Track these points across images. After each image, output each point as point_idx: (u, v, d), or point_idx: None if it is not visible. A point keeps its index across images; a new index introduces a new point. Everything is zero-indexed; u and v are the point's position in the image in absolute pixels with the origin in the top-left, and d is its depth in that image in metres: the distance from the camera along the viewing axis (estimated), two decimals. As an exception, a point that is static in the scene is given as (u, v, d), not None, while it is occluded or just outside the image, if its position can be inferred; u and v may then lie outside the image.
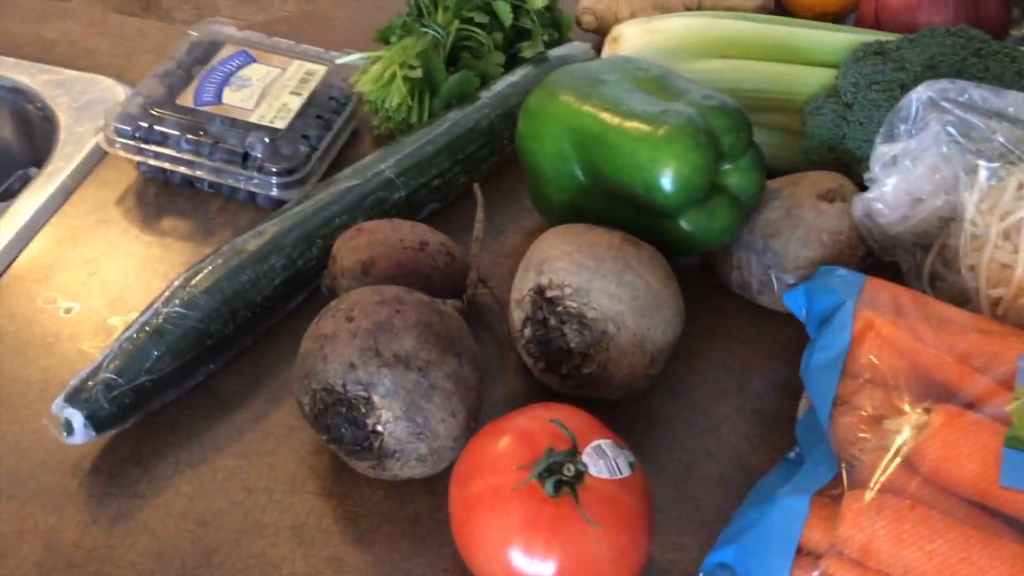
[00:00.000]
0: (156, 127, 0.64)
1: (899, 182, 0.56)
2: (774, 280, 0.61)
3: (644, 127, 0.56)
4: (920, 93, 0.54)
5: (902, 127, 0.55)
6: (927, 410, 0.46)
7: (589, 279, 0.52)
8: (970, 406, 0.46)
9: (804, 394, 0.56)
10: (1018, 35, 0.82)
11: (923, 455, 0.44)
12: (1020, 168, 0.54)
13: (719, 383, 0.59)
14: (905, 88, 0.61)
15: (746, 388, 0.59)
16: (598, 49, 0.80)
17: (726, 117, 0.57)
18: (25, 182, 0.74)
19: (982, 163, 0.54)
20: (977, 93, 0.53)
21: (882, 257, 0.60)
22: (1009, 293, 0.54)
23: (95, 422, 0.49)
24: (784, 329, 0.62)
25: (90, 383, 0.50)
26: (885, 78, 0.62)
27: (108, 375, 0.50)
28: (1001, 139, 0.53)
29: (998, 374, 0.47)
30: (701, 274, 0.65)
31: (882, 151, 0.56)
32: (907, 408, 0.47)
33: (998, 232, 0.54)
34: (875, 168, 0.57)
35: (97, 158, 0.68)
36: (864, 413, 0.48)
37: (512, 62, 0.76)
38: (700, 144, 0.56)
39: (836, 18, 0.87)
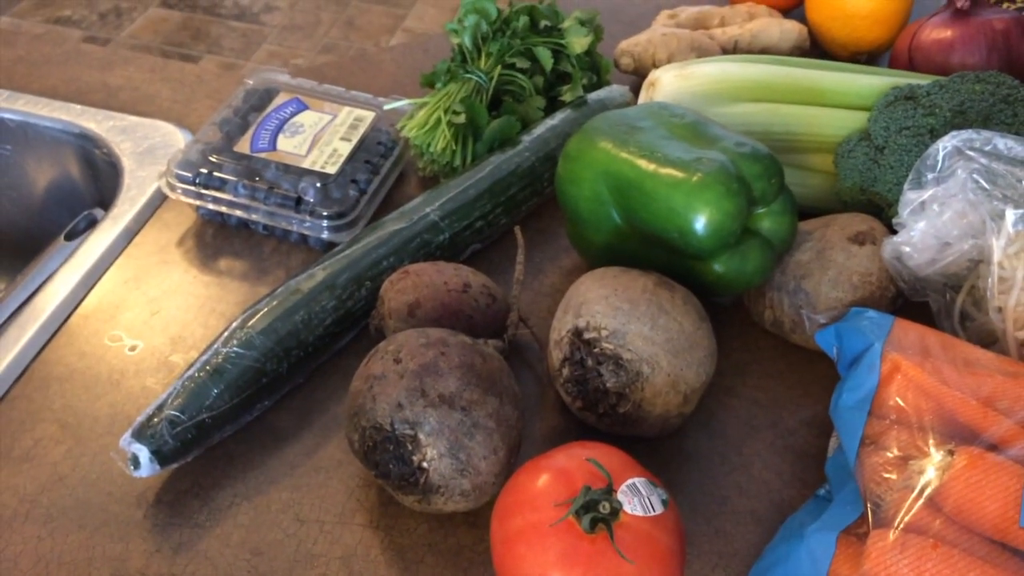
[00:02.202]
0: (215, 173, 0.68)
1: (927, 227, 0.58)
2: (806, 320, 0.62)
3: (679, 174, 0.59)
4: (946, 142, 0.56)
5: (929, 175, 0.57)
6: (951, 452, 0.48)
7: (625, 322, 0.54)
8: (993, 448, 0.48)
9: (834, 432, 0.57)
10: (1052, 73, 0.83)
11: (946, 496, 0.46)
12: (1046, 214, 0.55)
13: (751, 419, 0.61)
14: (935, 133, 0.63)
15: (778, 424, 0.61)
16: (636, 90, 0.83)
17: (758, 164, 0.59)
18: (90, 222, 0.79)
19: (1009, 209, 0.56)
20: (1002, 142, 0.55)
21: (912, 298, 0.62)
22: (1036, 335, 0.56)
23: (160, 457, 0.52)
24: (815, 366, 0.64)
25: (155, 419, 0.53)
26: (915, 123, 0.64)
27: (172, 412, 0.53)
28: (1026, 186, 0.55)
29: (1021, 417, 0.49)
30: (735, 312, 0.67)
31: (910, 197, 0.58)
32: (932, 449, 0.49)
33: (1025, 276, 0.56)
34: (904, 213, 0.58)
35: (159, 201, 0.72)
36: (890, 454, 0.50)
37: (552, 105, 0.79)
38: (732, 191, 0.58)
39: (870, 57, 0.89)
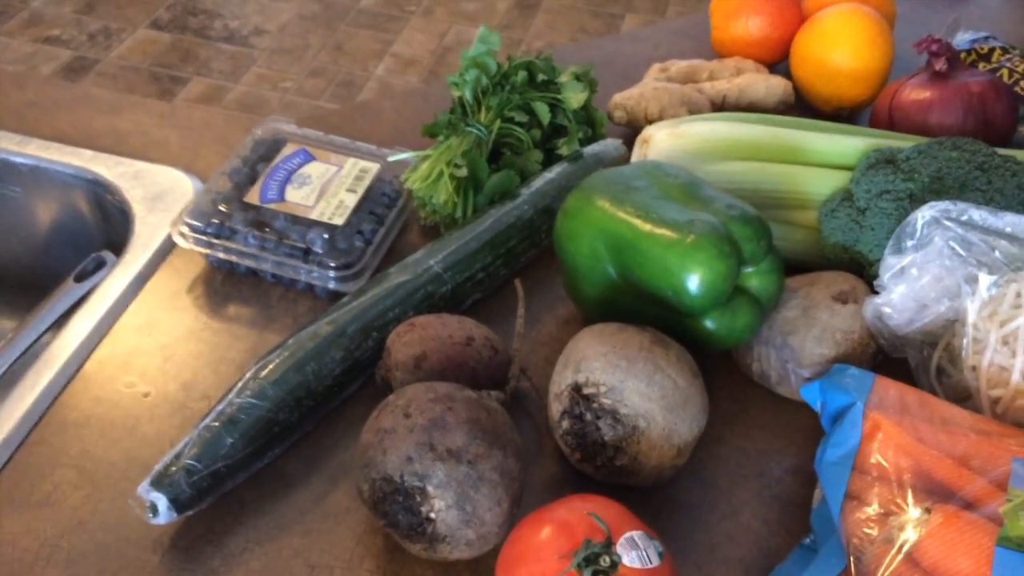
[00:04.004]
0: (226, 223, 0.71)
1: (906, 290, 0.61)
2: (791, 374, 0.66)
3: (673, 235, 0.62)
4: (925, 212, 0.59)
5: (909, 242, 0.60)
6: (928, 510, 0.51)
7: (622, 378, 0.57)
8: (968, 506, 0.51)
9: (818, 483, 0.61)
10: (1024, 132, 0.87)
11: (924, 552, 0.49)
12: (1017, 280, 0.59)
13: (740, 469, 0.64)
14: (914, 198, 0.66)
15: (765, 474, 0.64)
16: (628, 142, 0.86)
17: (748, 226, 0.63)
18: (98, 264, 0.81)
19: (982, 274, 0.60)
20: (977, 213, 0.59)
21: (892, 354, 0.65)
22: (1007, 394, 0.59)
23: (177, 504, 0.55)
24: (801, 417, 0.67)
25: (172, 469, 0.56)
26: (895, 187, 0.67)
27: (189, 461, 0.56)
28: (999, 254, 0.59)
29: (994, 475, 0.52)
30: (723, 363, 0.70)
31: (891, 262, 0.61)
32: (910, 506, 0.52)
33: (997, 338, 0.59)
34: (884, 276, 0.62)
35: (169, 247, 0.75)
36: (871, 510, 0.53)
37: (549, 157, 0.82)
38: (724, 252, 0.61)
39: (852, 112, 0.93)
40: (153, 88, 2.84)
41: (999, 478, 0.52)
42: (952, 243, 0.59)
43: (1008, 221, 0.58)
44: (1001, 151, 0.75)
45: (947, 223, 0.58)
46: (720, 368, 0.70)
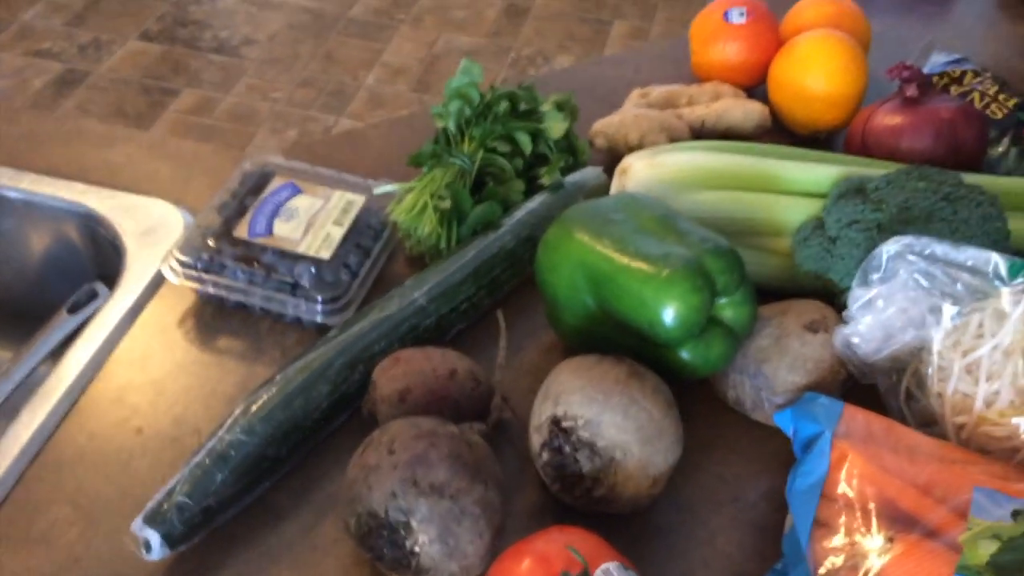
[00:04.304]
0: (215, 259, 0.73)
1: (873, 320, 0.63)
2: (765, 401, 0.68)
3: (649, 269, 0.64)
4: (889, 246, 0.62)
5: (875, 275, 0.62)
6: (890, 539, 0.53)
7: (599, 412, 0.59)
8: (931, 534, 0.53)
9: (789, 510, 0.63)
10: (996, 155, 0.89)
11: (887, 580, 0.51)
12: (979, 311, 0.61)
13: (715, 495, 0.66)
14: (882, 228, 0.69)
15: (740, 499, 0.66)
16: (609, 168, 0.88)
17: (721, 259, 0.65)
18: (91, 295, 0.83)
19: (946, 305, 0.62)
20: (939, 248, 0.61)
21: (861, 380, 0.67)
22: (971, 421, 0.61)
23: (170, 541, 0.57)
24: (775, 442, 0.69)
25: (165, 506, 0.57)
26: (864, 218, 0.69)
27: (181, 498, 0.58)
28: (960, 286, 0.61)
29: (955, 504, 0.54)
30: (700, 390, 0.72)
31: (858, 294, 0.63)
32: (874, 534, 0.54)
33: (961, 366, 0.62)
34: (853, 308, 0.64)
35: (160, 281, 0.76)
36: (838, 537, 0.55)
37: (532, 186, 0.84)
38: (697, 286, 0.63)
39: (829, 135, 0.95)
40: (144, 100, 2.85)
41: (960, 506, 0.54)
42: (916, 275, 0.61)
43: (969, 255, 0.60)
44: (970, 177, 0.78)
45: (911, 257, 0.61)
46: (697, 395, 0.72)
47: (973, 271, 0.61)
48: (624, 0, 3.58)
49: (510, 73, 3.11)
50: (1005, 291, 0.60)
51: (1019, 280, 0.60)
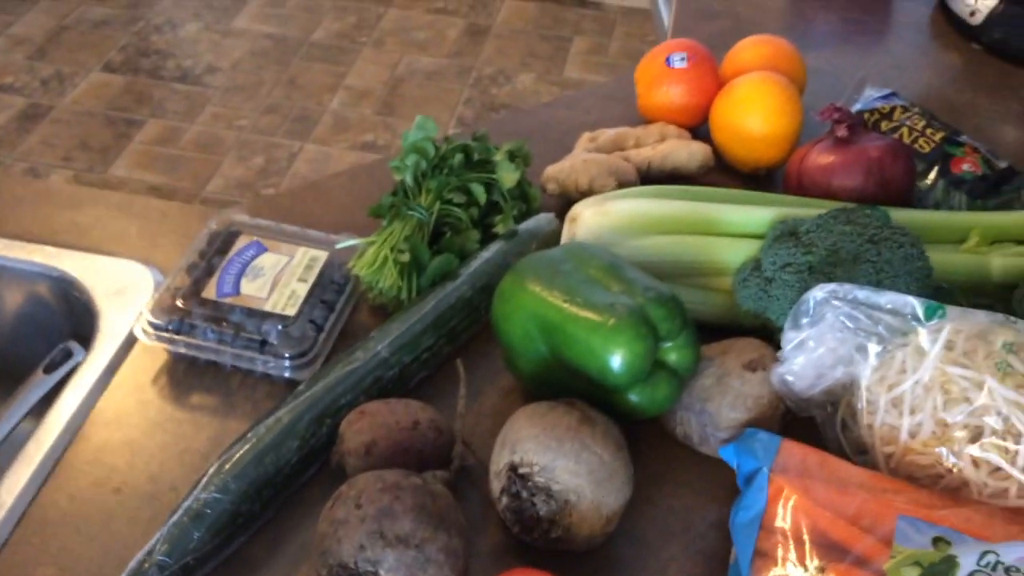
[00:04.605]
0: (185, 319, 0.76)
1: (805, 360, 0.68)
2: (710, 436, 0.72)
3: (596, 318, 0.68)
4: (816, 293, 0.66)
5: (804, 319, 0.67)
6: (821, 569, 0.58)
7: (553, 458, 0.64)
8: (860, 562, 0.58)
9: (735, 540, 0.67)
10: (925, 187, 0.94)
11: (819, 609, 0.56)
12: (900, 349, 0.66)
13: (667, 526, 0.71)
14: (812, 270, 0.73)
15: (690, 530, 0.71)
16: (562, 212, 0.93)
17: (663, 307, 0.69)
18: (66, 355, 0.85)
19: (871, 344, 0.67)
20: (861, 293, 0.66)
21: (799, 414, 0.72)
22: (898, 451, 0.66)
23: (152, 599, 0.60)
24: (722, 473, 0.73)
25: (146, 565, 0.61)
26: (796, 260, 0.74)
27: (160, 557, 0.61)
28: (882, 327, 0.66)
29: (881, 534, 0.59)
30: (652, 427, 0.77)
31: (790, 336, 0.68)
32: (809, 564, 0.59)
33: (887, 400, 0.66)
34: (786, 349, 0.69)
35: (133, 340, 0.80)
36: (777, 567, 0.60)
37: (487, 234, 0.88)
38: (641, 335, 0.67)
39: (769, 171, 1.00)
40: (108, 133, 2.87)
41: (886, 535, 0.59)
42: (842, 318, 0.66)
43: (888, 299, 0.65)
44: (899, 212, 0.83)
45: (835, 302, 0.65)
46: (649, 432, 0.76)
47: (893, 313, 0.66)
48: (583, 16, 3.64)
49: (473, 92, 3.15)
50: (922, 331, 0.65)
51: (934, 320, 0.65)
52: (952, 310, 0.65)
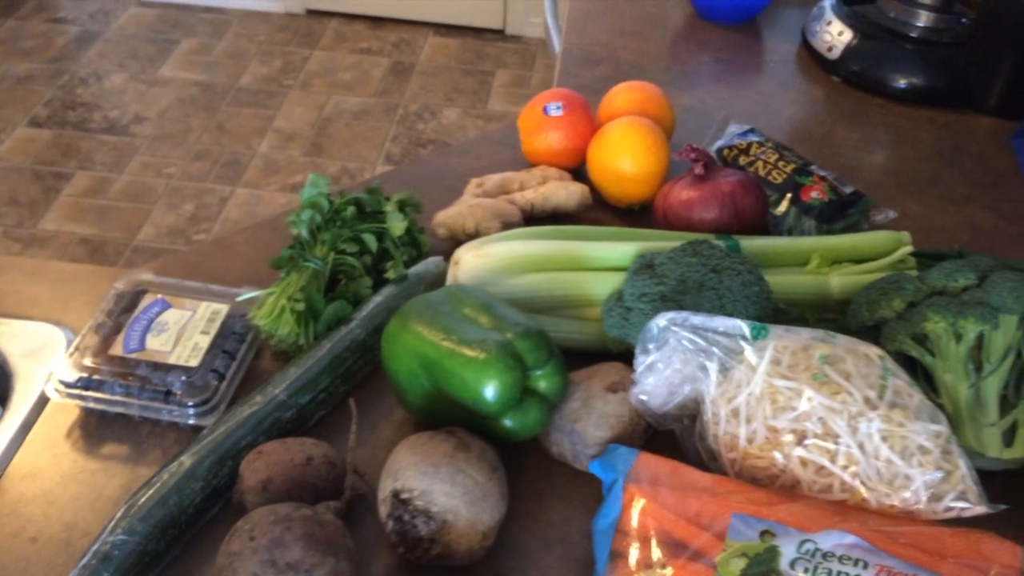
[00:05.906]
0: (94, 376, 0.82)
1: (656, 380, 0.76)
2: (580, 454, 0.80)
3: (469, 353, 0.76)
4: (658, 321, 0.75)
5: (651, 344, 0.75)
6: (664, 564, 0.65)
7: (430, 483, 0.71)
8: (696, 556, 0.66)
9: (602, 546, 0.75)
10: (778, 214, 1.04)
11: (662, 600, 0.64)
12: (736, 366, 0.75)
13: (546, 537, 0.78)
14: (664, 298, 0.82)
15: (566, 539, 0.78)
16: (451, 256, 1.01)
17: (529, 340, 0.77)
18: (-16, 414, 0.90)
19: (709, 364, 0.75)
20: (697, 319, 0.74)
21: (658, 428, 0.80)
22: (739, 456, 0.74)
23: (65, 636, 0.66)
24: (594, 487, 0.80)
25: (59, 605, 0.66)
26: (651, 290, 0.83)
27: (72, 598, 0.67)
28: (717, 349, 0.74)
29: (717, 530, 0.67)
30: (532, 447, 0.84)
31: (640, 359, 0.76)
32: (654, 560, 0.66)
33: (727, 411, 0.75)
34: (638, 371, 0.77)
35: (46, 399, 0.85)
36: (629, 565, 0.68)
37: (379, 279, 0.95)
38: (509, 366, 0.75)
39: (642, 207, 1.09)
40: (37, 187, 2.88)
41: (721, 531, 0.67)
42: (684, 341, 0.75)
43: (719, 323, 0.74)
44: (752, 240, 0.92)
45: (675, 328, 0.74)
46: (529, 451, 0.84)
47: (726, 335, 0.74)
48: (504, 50, 3.75)
49: (400, 129, 3.23)
50: (750, 350, 0.73)
51: (760, 340, 0.74)
52: (776, 329, 0.74)
